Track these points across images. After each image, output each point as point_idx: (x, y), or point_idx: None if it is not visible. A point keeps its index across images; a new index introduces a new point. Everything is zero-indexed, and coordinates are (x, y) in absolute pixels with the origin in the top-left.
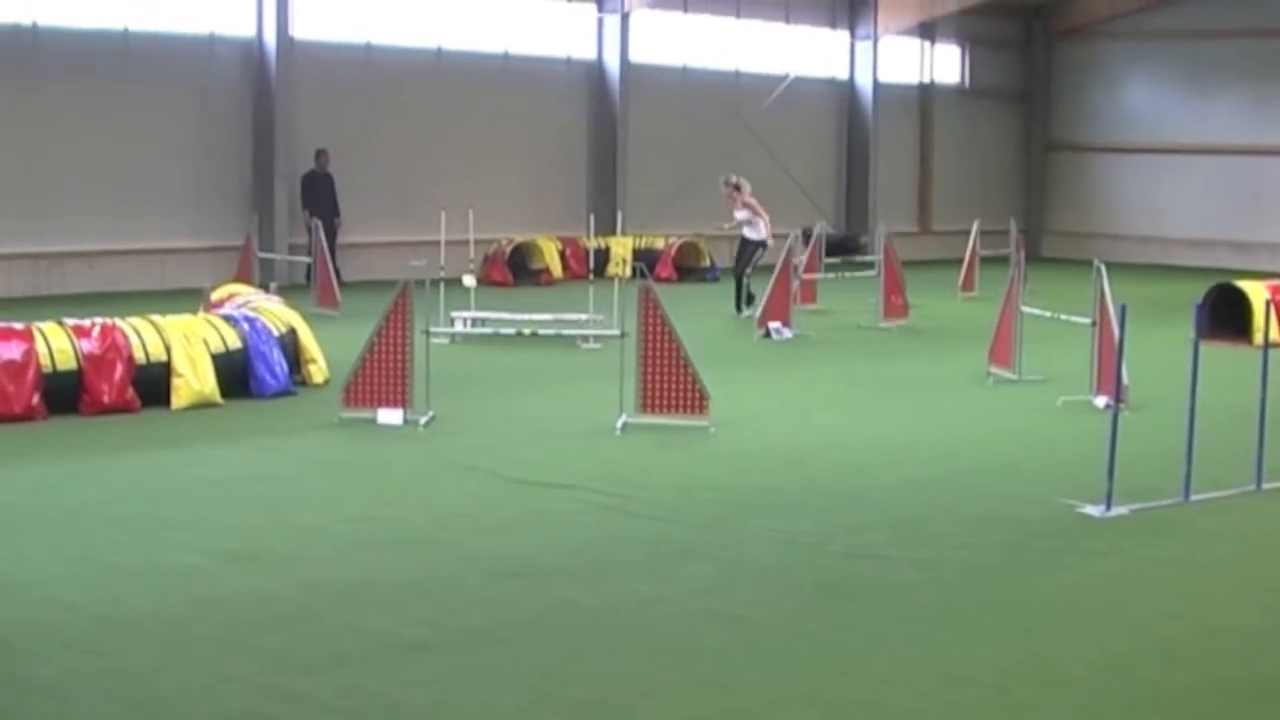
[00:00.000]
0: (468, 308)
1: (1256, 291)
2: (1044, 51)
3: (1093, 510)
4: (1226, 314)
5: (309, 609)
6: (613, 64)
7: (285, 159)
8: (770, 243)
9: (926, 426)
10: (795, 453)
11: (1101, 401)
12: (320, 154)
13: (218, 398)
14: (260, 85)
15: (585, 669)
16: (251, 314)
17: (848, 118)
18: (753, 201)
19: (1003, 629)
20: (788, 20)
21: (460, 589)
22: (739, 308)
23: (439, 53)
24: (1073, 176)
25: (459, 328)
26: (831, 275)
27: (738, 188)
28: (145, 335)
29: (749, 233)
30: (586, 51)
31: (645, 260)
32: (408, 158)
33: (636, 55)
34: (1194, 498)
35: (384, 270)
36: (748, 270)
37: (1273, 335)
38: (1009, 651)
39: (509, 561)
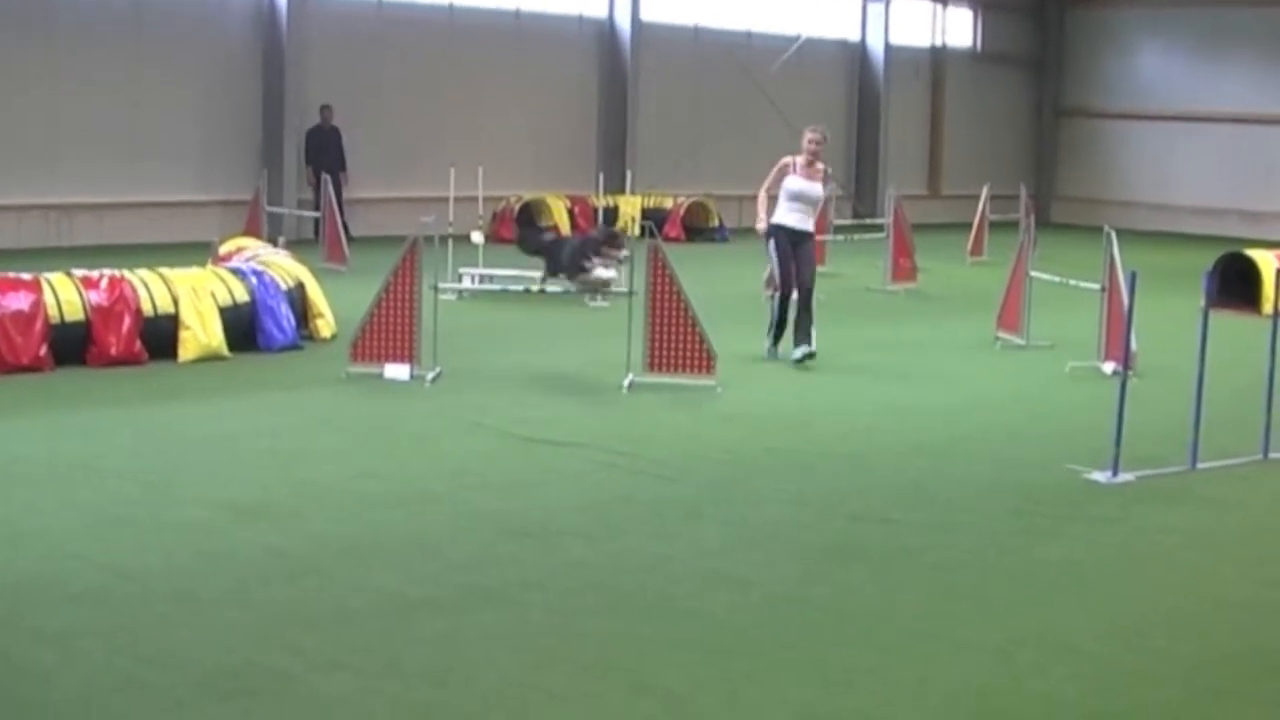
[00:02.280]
0: (476, 264)
1: (1266, 261)
2: (1057, 17)
3: (1099, 477)
4: (1236, 283)
5: (315, 565)
6: (624, 23)
7: (295, 114)
8: None
9: (934, 390)
10: (802, 414)
11: (1109, 368)
12: (325, 109)
13: (225, 351)
14: (271, 40)
15: (592, 629)
16: (260, 268)
17: (858, 80)
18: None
19: (1008, 596)
20: None
21: (467, 547)
22: (809, 337)
23: (451, 9)
24: (1084, 143)
25: (467, 284)
26: (840, 238)
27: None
28: (153, 287)
29: (810, 220)
30: (598, 10)
31: (654, 219)
32: (418, 114)
33: (648, 14)
34: (1200, 466)
35: (393, 226)
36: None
37: None
38: (1014, 618)
39: (516, 520)
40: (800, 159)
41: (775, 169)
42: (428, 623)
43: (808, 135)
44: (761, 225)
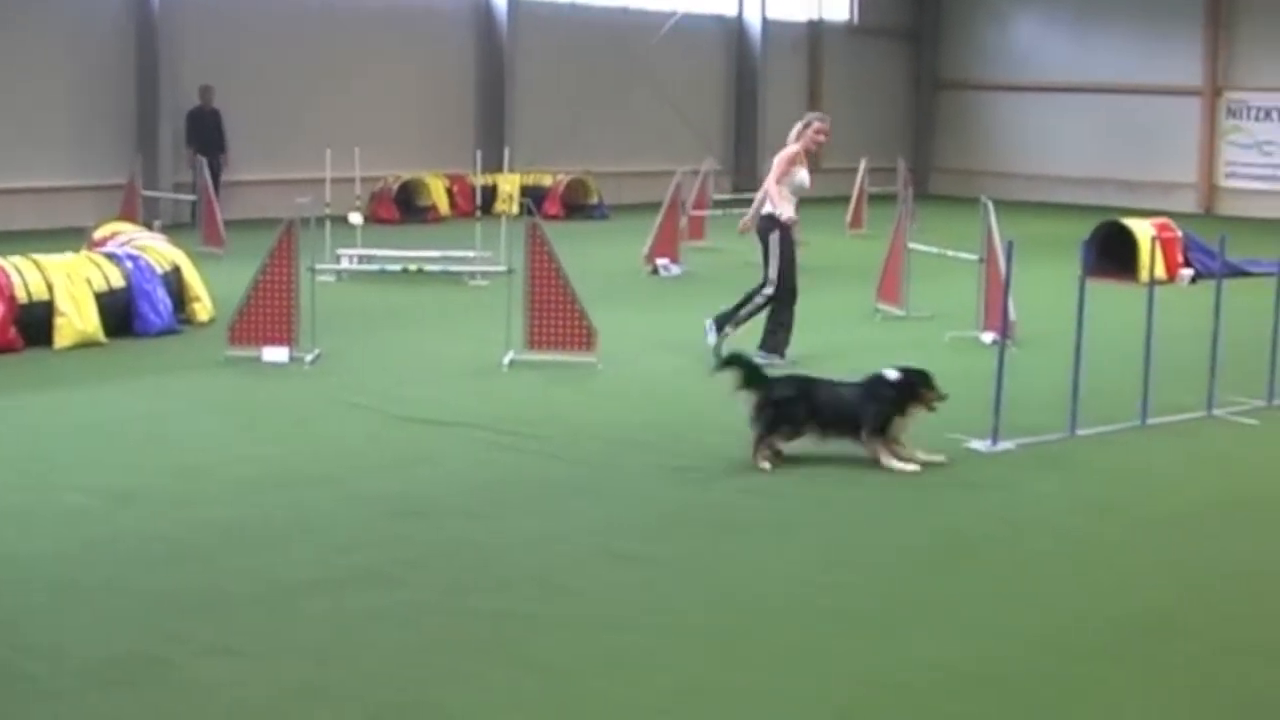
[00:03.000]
0: (354, 245)
1: (1143, 229)
2: None
3: (979, 445)
4: (1114, 252)
5: (197, 550)
6: (500, 1)
7: (170, 96)
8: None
9: (814, 363)
10: (683, 388)
11: (989, 337)
12: (205, 90)
13: (101, 337)
14: (144, 20)
15: (477, 607)
16: (135, 252)
17: (736, 55)
18: None
19: (890, 563)
20: None
21: (349, 528)
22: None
23: None
24: (961, 114)
25: (345, 265)
26: (719, 212)
27: None
28: (27, 274)
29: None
30: None
31: (533, 197)
32: (295, 94)
33: None
34: (1080, 433)
35: (272, 208)
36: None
37: (1159, 273)
38: (896, 585)
39: (398, 500)
40: (801, 148)
41: (790, 158)
42: (311, 605)
43: (816, 125)
44: (792, 214)
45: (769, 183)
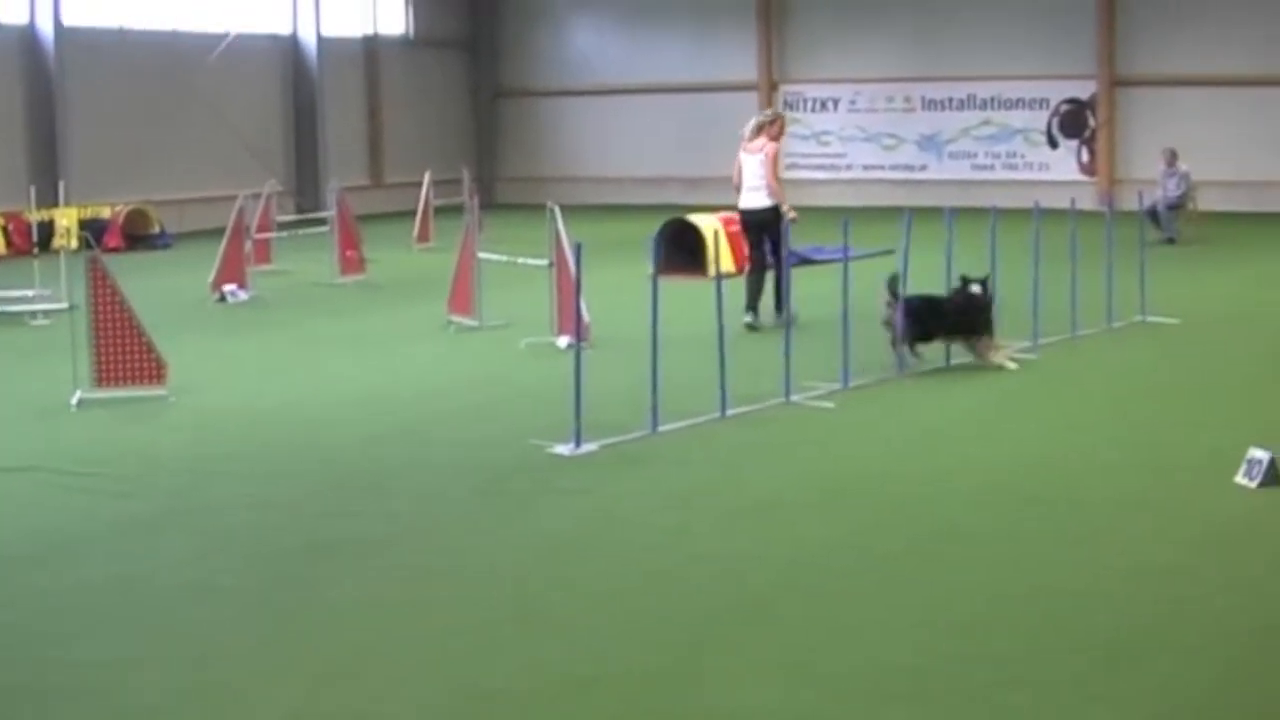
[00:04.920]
0: None
1: (709, 224)
2: None
3: (562, 449)
4: (683, 248)
5: None
6: (46, 28)
7: None
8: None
9: (391, 380)
10: (260, 416)
11: (564, 341)
12: None
13: None
14: None
15: (59, 656)
16: None
17: (293, 74)
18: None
19: (483, 575)
20: None
21: None
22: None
23: None
24: (523, 122)
25: None
26: (285, 234)
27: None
28: None
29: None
30: (17, 16)
31: (92, 230)
32: None
33: (70, 18)
34: (662, 429)
35: None
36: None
37: (726, 266)
38: (493, 596)
39: None
40: (779, 143)
41: (777, 154)
42: None
43: (781, 120)
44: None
45: (762, 178)
